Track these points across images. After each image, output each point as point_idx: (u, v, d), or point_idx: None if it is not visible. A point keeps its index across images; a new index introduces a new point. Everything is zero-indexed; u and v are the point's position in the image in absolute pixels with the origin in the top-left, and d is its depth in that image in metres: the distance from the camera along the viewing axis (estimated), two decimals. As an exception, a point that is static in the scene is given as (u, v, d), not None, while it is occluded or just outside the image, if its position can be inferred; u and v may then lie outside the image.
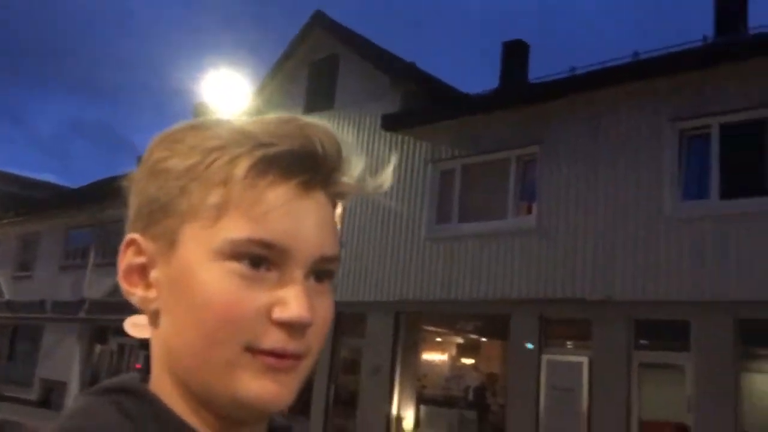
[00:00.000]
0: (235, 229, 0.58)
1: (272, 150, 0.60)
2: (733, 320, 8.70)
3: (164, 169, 0.62)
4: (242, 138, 0.61)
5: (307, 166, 0.61)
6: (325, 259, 0.62)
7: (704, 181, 9.55)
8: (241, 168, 0.60)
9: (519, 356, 10.61)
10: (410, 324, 12.39)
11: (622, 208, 9.90)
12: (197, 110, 15.83)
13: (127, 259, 0.63)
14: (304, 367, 0.62)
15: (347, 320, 12.98)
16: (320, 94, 14.37)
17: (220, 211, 0.59)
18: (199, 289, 0.58)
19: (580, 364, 9.94)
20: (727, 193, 9.24)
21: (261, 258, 0.59)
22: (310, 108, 14.40)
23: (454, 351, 13.20)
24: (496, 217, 11.45)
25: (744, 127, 9.32)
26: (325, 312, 0.63)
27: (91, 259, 20.32)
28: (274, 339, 0.59)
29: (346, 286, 12.87)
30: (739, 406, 8.56)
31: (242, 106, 14.07)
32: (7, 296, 23.58)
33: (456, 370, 12.60)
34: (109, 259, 18.32)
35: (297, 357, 0.60)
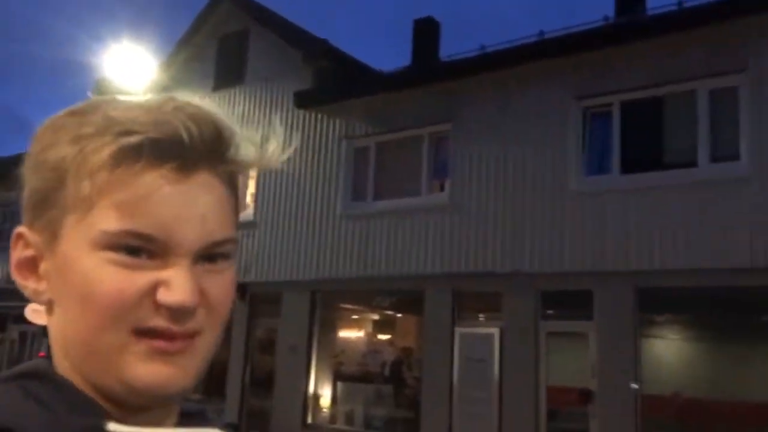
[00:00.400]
0: (108, 220, 0.57)
1: (134, 138, 0.58)
2: (632, 289, 9.19)
3: (44, 160, 0.61)
4: (109, 126, 0.59)
5: (174, 154, 0.59)
6: (214, 244, 0.61)
7: (606, 157, 9.98)
8: (105, 157, 0.58)
9: (433, 330, 10.84)
10: (326, 302, 12.42)
11: (530, 183, 10.21)
12: (98, 86, 15.11)
13: (17, 252, 0.63)
14: (201, 346, 0.60)
15: (262, 300, 12.88)
16: (230, 70, 14.03)
17: (92, 201, 0.58)
18: (81, 280, 0.58)
19: (491, 335, 10.27)
20: (627, 168, 9.69)
21: (139, 248, 0.58)
22: (220, 84, 14.06)
23: (370, 327, 13.33)
24: (410, 195, 11.58)
25: (643, 104, 9.78)
26: (219, 291, 0.61)
27: (-13, 243, 19.21)
28: (160, 320, 0.58)
29: (261, 266, 12.75)
30: (639, 370, 9.08)
31: (147, 81, 13.57)
32: None
33: (372, 346, 12.74)
34: (4, 244, 17.36)
35: (188, 336, 0.59)
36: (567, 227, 9.78)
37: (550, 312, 9.98)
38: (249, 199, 13.54)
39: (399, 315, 12.95)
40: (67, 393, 0.58)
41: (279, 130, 0.68)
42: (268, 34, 13.67)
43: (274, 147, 0.67)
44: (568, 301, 9.85)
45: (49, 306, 0.62)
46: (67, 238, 0.59)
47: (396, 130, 11.91)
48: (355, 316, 13.30)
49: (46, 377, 0.59)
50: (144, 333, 0.58)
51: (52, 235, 0.60)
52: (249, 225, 13.08)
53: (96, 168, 0.58)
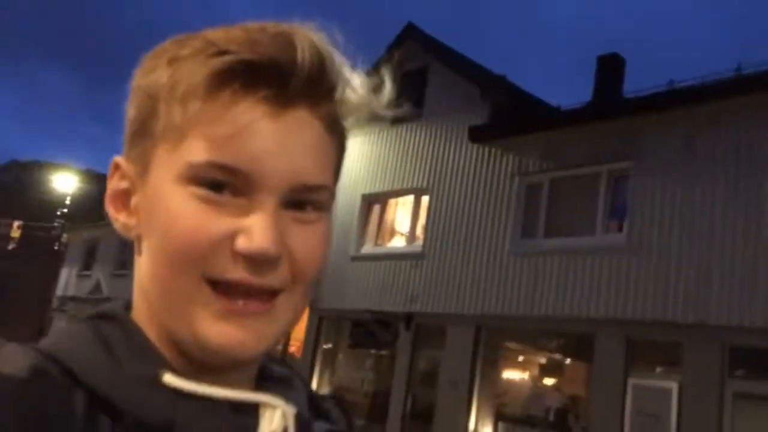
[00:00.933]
0: (195, 151, 0.54)
1: (229, 58, 0.54)
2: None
3: (140, 87, 0.58)
4: (205, 47, 0.55)
5: (274, 78, 0.54)
6: (305, 188, 0.56)
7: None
8: (197, 81, 0.54)
9: (603, 379, 10.23)
10: (491, 339, 12.19)
11: (719, 227, 9.40)
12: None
13: (113, 183, 0.61)
14: (282, 307, 0.56)
15: (426, 331, 12.93)
16: (409, 105, 14.42)
17: (182, 131, 0.54)
18: (163, 215, 0.55)
19: (668, 390, 9.48)
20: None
21: (225, 183, 0.54)
22: (398, 118, 14.45)
23: (535, 370, 12.87)
24: (584, 234, 11.12)
25: None
26: (307, 243, 0.56)
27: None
28: (238, 271, 0.54)
29: (427, 297, 12.82)
30: None
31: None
32: (105, 293, 24.87)
33: (537, 390, 12.27)
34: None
35: (268, 294, 0.55)
36: (761, 276, 8.85)
37: (738, 371, 9.03)
38: (419, 230, 13.74)
39: (567, 360, 12.40)
40: (133, 339, 0.56)
41: (389, 82, 0.62)
42: (447, 71, 13.94)
43: (385, 95, 0.62)
44: (760, 359, 8.87)
45: (138, 242, 0.59)
46: (156, 170, 0.57)
47: (572, 166, 11.55)
48: (520, 357, 12.92)
49: (117, 319, 0.58)
50: (219, 286, 0.54)
51: (144, 166, 0.58)
52: (417, 256, 13.25)
53: (187, 93, 0.54)
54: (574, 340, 11.28)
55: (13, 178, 40.06)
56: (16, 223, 30.64)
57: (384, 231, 14.66)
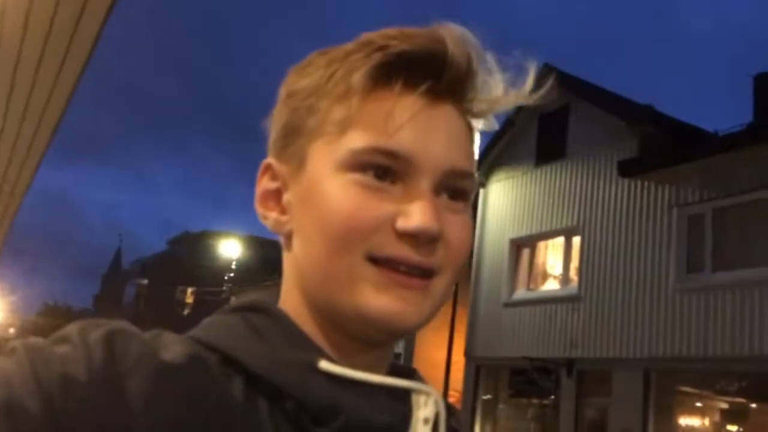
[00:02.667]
0: (358, 139, 0.57)
1: (389, 51, 0.57)
2: None
3: (293, 92, 0.62)
4: (362, 46, 0.59)
5: (432, 70, 0.58)
6: (456, 173, 0.59)
7: None
8: (359, 75, 0.57)
9: (797, 423, 9.20)
10: (662, 383, 11.40)
11: None
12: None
13: (262, 184, 0.64)
14: (436, 288, 0.58)
15: (591, 377, 12.35)
16: (552, 145, 14.20)
17: (344, 125, 0.58)
18: (324, 201, 0.57)
19: None
20: None
21: (385, 168, 0.57)
22: (541, 160, 14.28)
23: (716, 416, 11.82)
24: (759, 264, 10.23)
25: None
26: (458, 230, 0.59)
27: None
28: (398, 248, 0.56)
29: (588, 341, 12.29)
30: None
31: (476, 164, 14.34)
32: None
33: (721, 438, 11.25)
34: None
35: (426, 274, 0.57)
36: None
37: None
38: (573, 272, 13.28)
39: (751, 404, 11.30)
40: (285, 327, 0.58)
41: (531, 73, 0.62)
42: (588, 107, 13.61)
43: (521, 90, 0.62)
44: None
45: (288, 238, 0.62)
46: (313, 163, 0.59)
47: (736, 193, 10.74)
48: (697, 403, 11.95)
49: (266, 311, 0.60)
50: (381, 263, 0.56)
51: (299, 162, 0.60)
52: (574, 298, 12.78)
53: (349, 90, 0.58)
54: (757, 381, 10.28)
55: (186, 248, 43.54)
56: (189, 290, 33.08)
57: (536, 275, 14.31)
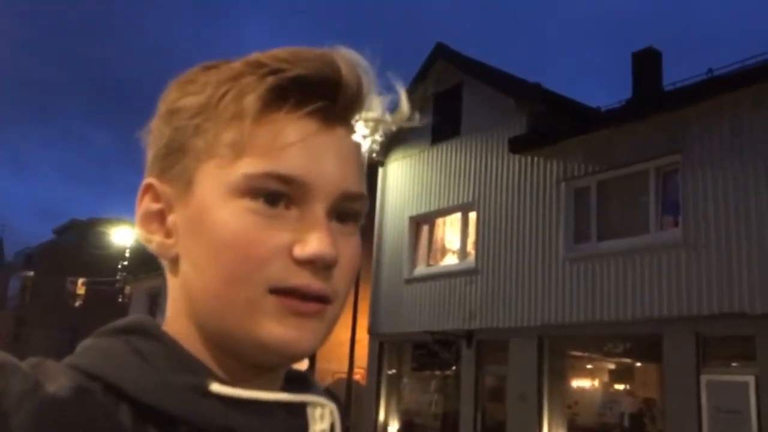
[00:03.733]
0: (252, 164, 0.56)
1: (283, 75, 0.56)
2: None
3: (177, 109, 0.60)
4: (253, 68, 0.58)
5: (325, 93, 0.58)
6: (348, 196, 0.59)
7: None
8: (252, 98, 0.56)
9: (676, 379, 9.96)
10: (555, 349, 12.01)
11: (778, 212, 9.12)
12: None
13: (144, 205, 0.61)
14: (331, 313, 0.59)
15: (489, 347, 12.82)
16: (446, 124, 14.48)
17: (236, 147, 0.56)
18: (217, 229, 0.56)
19: (745, 383, 9.17)
20: None
21: (279, 194, 0.56)
22: (437, 138, 14.55)
23: (605, 376, 12.61)
24: (639, 233, 10.92)
25: None
26: (350, 253, 0.59)
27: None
28: (298, 277, 0.56)
29: (486, 313, 12.73)
30: None
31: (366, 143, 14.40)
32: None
33: (609, 396, 12.01)
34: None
35: (322, 300, 0.57)
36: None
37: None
38: (470, 246, 13.69)
39: (637, 363, 12.13)
40: (171, 350, 0.56)
41: (404, 95, 0.64)
42: (480, 86, 13.97)
43: (401, 112, 0.64)
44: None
45: (174, 262, 0.60)
46: (202, 187, 0.57)
47: (618, 166, 11.39)
48: (587, 365, 12.69)
49: (151, 334, 0.57)
50: (279, 293, 0.56)
51: (185, 184, 0.58)
52: (471, 272, 13.19)
53: (242, 113, 0.56)
54: (641, 342, 11.02)
55: (74, 237, 41.45)
56: (80, 281, 31.62)
57: (435, 251, 14.65)
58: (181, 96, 0.60)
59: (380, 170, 15.73)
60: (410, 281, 14.41)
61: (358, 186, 0.60)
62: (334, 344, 18.05)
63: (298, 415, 0.59)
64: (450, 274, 13.69)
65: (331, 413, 0.61)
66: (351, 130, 0.62)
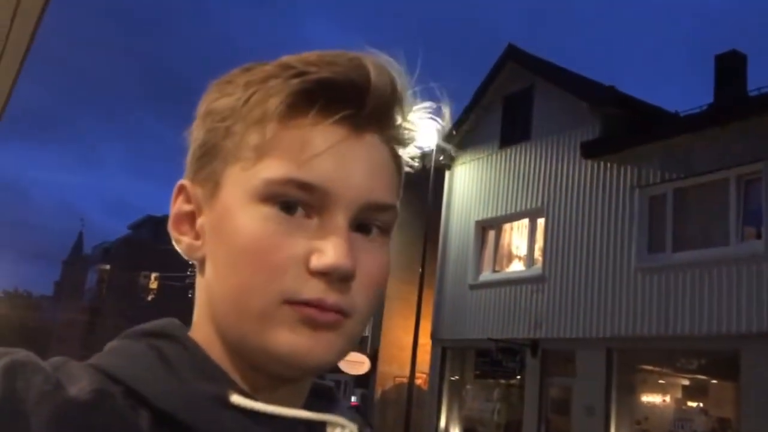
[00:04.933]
0: (273, 168, 0.54)
1: (309, 78, 0.55)
2: None
3: (211, 111, 0.60)
4: (281, 70, 0.56)
5: (353, 98, 0.56)
6: (374, 207, 0.57)
7: None
8: (276, 101, 0.55)
9: (754, 399, 9.44)
10: (624, 361, 11.60)
11: None
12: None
13: (177, 206, 0.62)
14: (350, 328, 0.56)
15: (554, 357, 12.51)
16: (516, 127, 14.24)
17: (260, 151, 0.55)
18: (235, 234, 0.55)
19: (832, 408, 8.60)
20: None
21: (298, 202, 0.55)
22: (506, 142, 14.32)
23: (677, 393, 12.10)
24: (717, 244, 10.42)
25: None
26: (373, 267, 0.57)
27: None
28: (313, 290, 0.54)
29: (552, 322, 12.43)
30: None
31: (433, 147, 14.27)
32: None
33: (681, 414, 11.50)
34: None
35: (339, 312, 0.55)
36: None
37: None
38: (537, 253, 13.39)
39: (712, 380, 11.58)
40: (196, 358, 0.56)
41: (447, 108, 0.62)
42: (552, 88, 13.66)
43: (444, 120, 0.62)
44: None
45: (201, 264, 0.60)
46: (227, 190, 0.57)
47: (697, 174, 10.90)
48: (660, 380, 12.21)
49: (177, 339, 0.57)
50: (295, 303, 0.54)
51: (214, 187, 0.58)
52: (538, 279, 12.90)
53: (265, 115, 0.56)
54: (716, 359, 10.54)
55: (149, 232, 42.95)
56: (153, 275, 32.70)
57: (501, 256, 14.41)
58: (218, 97, 0.60)
59: (447, 173, 15.59)
60: (475, 287, 14.21)
61: (388, 196, 0.58)
62: (395, 348, 18.02)
63: None
64: (516, 281, 13.43)
65: None
66: (384, 137, 0.59)
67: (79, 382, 0.50)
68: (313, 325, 0.54)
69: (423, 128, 0.63)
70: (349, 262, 0.54)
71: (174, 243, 0.61)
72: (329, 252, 0.54)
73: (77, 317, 41.98)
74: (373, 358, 16.74)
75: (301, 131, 0.55)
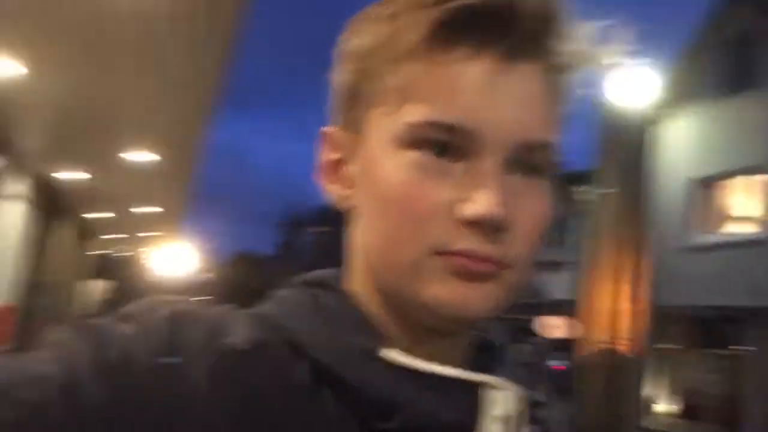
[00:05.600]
0: (415, 111, 0.51)
1: (449, 6, 0.50)
2: None
3: (348, 52, 0.56)
4: (419, 1, 0.51)
5: (501, 27, 0.50)
6: (530, 146, 0.51)
7: None
8: (414, 37, 0.51)
9: None
10: None
11: None
12: (603, 111, 15.43)
13: (323, 155, 0.59)
14: (507, 278, 0.52)
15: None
16: (741, 74, 12.80)
17: (400, 93, 0.52)
18: (380, 183, 0.52)
19: None
20: None
21: (444, 145, 0.50)
22: (728, 90, 12.94)
23: None
24: None
25: None
26: (531, 212, 0.52)
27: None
28: (464, 240, 0.50)
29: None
30: None
31: (653, 99, 13.33)
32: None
33: None
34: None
35: (494, 262, 0.50)
36: None
37: None
38: (764, 214, 12.06)
39: None
40: (351, 310, 0.55)
41: (616, 29, 0.54)
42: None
43: (612, 46, 0.54)
44: None
45: (351, 213, 0.58)
46: (371, 135, 0.54)
47: None
48: None
49: (335, 290, 0.56)
50: (446, 253, 0.51)
51: (358, 132, 0.56)
52: (764, 242, 11.64)
53: (406, 52, 0.52)
54: None
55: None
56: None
57: (721, 217, 13.17)
58: (356, 36, 0.56)
59: (658, 127, 14.47)
60: (691, 250, 13.16)
61: (544, 133, 0.52)
62: (597, 313, 17.35)
63: (472, 394, 0.54)
64: (738, 244, 12.23)
65: (512, 397, 0.55)
66: (542, 65, 0.53)
67: (241, 332, 0.51)
68: (468, 275, 0.51)
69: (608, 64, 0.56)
70: (501, 211, 0.49)
71: (325, 192, 0.60)
72: (479, 200, 0.49)
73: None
74: (574, 323, 16.29)
75: (443, 67, 0.51)
